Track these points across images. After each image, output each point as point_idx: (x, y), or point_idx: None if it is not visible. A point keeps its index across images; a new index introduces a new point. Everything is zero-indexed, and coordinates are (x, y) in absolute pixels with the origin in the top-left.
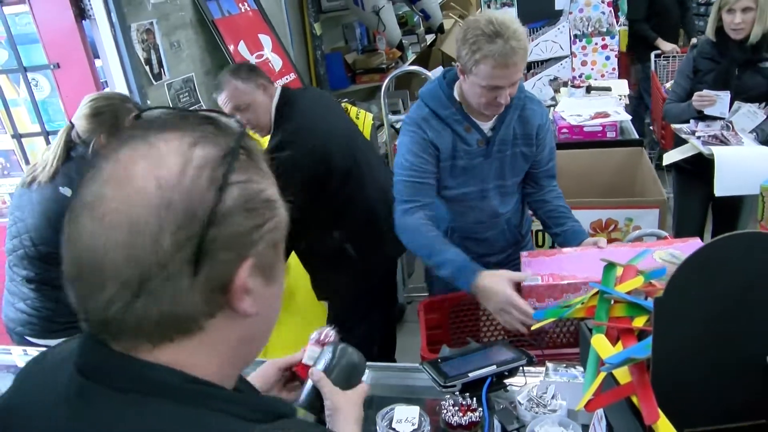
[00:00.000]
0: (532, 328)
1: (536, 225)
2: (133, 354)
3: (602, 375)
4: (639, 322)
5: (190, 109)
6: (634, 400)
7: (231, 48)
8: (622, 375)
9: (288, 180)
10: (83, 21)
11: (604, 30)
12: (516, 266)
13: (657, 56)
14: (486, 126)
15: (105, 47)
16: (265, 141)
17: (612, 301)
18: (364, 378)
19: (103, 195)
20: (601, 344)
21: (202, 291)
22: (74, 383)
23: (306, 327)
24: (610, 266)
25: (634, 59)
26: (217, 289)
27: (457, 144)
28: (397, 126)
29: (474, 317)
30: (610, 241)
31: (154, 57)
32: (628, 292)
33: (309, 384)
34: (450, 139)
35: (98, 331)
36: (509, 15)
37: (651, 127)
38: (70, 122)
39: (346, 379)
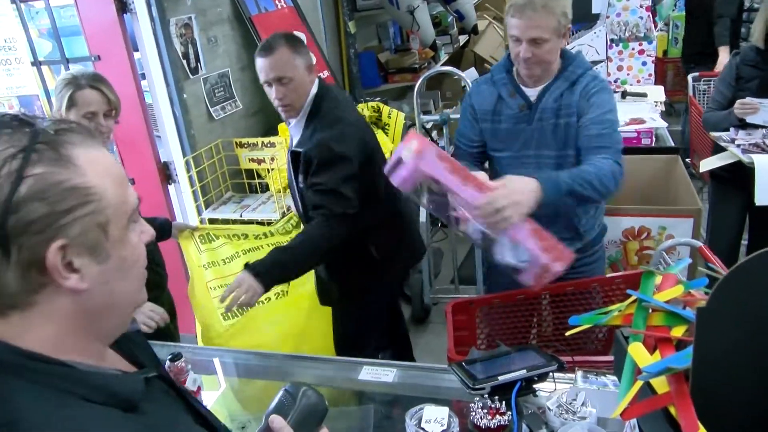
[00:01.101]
0: (567, 333)
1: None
2: (12, 312)
3: (639, 383)
4: (678, 331)
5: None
6: (672, 410)
7: None
8: (660, 384)
9: (340, 171)
10: (124, 15)
11: (642, 35)
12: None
13: (696, 80)
14: (533, 92)
15: (144, 41)
16: (283, 129)
17: (650, 310)
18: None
19: None
20: (638, 352)
21: (16, 270)
22: None
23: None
24: (648, 274)
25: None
26: (31, 267)
27: (502, 107)
28: (428, 126)
29: (501, 320)
30: (642, 248)
31: (191, 51)
32: (667, 301)
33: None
34: (493, 100)
35: None
36: None
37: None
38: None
39: (306, 422)
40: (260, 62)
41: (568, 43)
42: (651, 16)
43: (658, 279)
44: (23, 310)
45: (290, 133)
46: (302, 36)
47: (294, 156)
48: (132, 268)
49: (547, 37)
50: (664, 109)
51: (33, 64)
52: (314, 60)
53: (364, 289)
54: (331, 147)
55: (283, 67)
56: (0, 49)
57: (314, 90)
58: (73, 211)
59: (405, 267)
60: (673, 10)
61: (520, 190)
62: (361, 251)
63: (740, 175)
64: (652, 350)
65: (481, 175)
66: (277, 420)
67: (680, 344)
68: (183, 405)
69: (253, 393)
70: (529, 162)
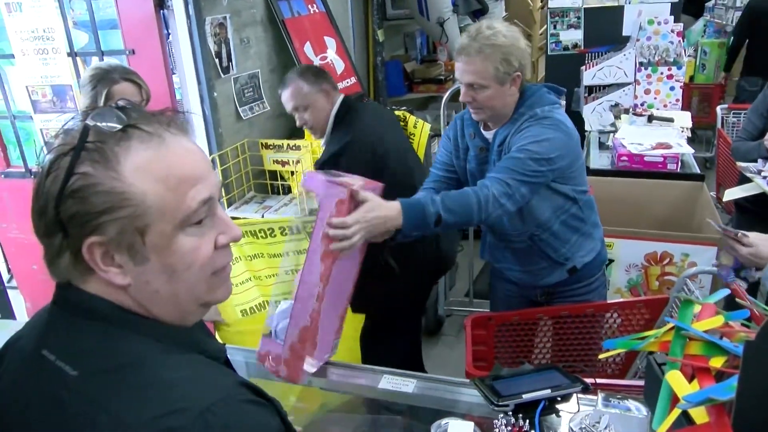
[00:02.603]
0: (600, 357)
1: None
2: (86, 284)
3: (677, 411)
4: (717, 362)
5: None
6: None
7: (297, 48)
8: (699, 414)
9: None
10: (162, 11)
11: (671, 60)
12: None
13: (725, 111)
14: (489, 134)
15: (179, 37)
16: (316, 144)
17: (687, 339)
18: None
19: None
20: (677, 380)
21: (69, 252)
22: (47, 311)
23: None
24: (687, 303)
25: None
26: (75, 253)
27: (468, 146)
28: None
29: (519, 337)
30: (664, 274)
31: (224, 51)
32: (705, 331)
33: None
34: (464, 138)
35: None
36: (507, 29)
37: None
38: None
39: None
40: (281, 97)
41: (520, 90)
42: (681, 41)
43: (697, 308)
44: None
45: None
46: (333, 42)
47: (321, 167)
48: (185, 272)
49: (484, 83)
50: (690, 135)
51: (69, 54)
52: (331, 83)
53: (386, 298)
54: (336, 161)
55: (297, 97)
56: (38, 38)
57: (335, 109)
58: (108, 213)
59: (429, 279)
60: (702, 36)
61: (375, 213)
62: (380, 263)
63: (765, 208)
64: (689, 379)
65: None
66: None
67: (719, 375)
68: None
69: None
70: None
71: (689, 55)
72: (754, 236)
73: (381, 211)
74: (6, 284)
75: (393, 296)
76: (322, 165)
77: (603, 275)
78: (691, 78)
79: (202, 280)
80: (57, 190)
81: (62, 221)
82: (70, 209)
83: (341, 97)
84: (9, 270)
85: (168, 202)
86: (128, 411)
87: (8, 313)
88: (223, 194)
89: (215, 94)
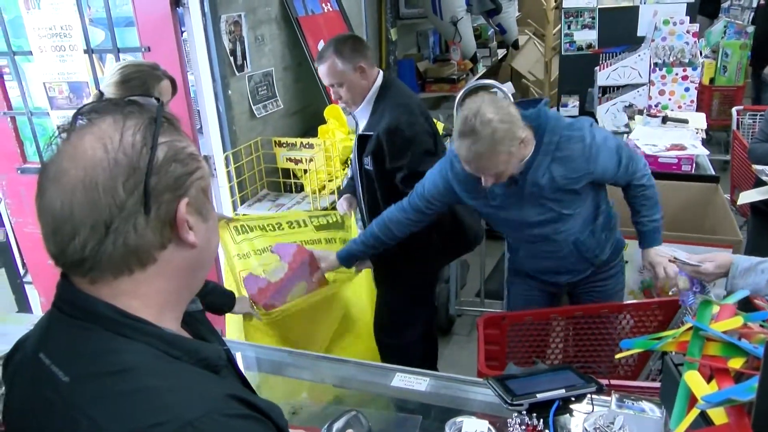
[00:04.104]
0: (617, 356)
1: None
2: (93, 286)
3: (695, 412)
4: (736, 363)
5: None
6: None
7: (311, 46)
8: (718, 415)
9: (408, 152)
10: (177, 8)
11: (686, 61)
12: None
13: (740, 113)
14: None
15: (195, 35)
16: (323, 131)
17: (705, 339)
18: None
19: (63, 168)
20: (695, 381)
21: (154, 226)
22: (49, 314)
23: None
24: (705, 303)
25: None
26: (166, 223)
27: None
28: None
29: (532, 337)
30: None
31: (238, 49)
32: (724, 332)
33: None
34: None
35: (73, 270)
36: (496, 112)
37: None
38: (99, 90)
39: None
40: (318, 70)
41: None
42: (696, 42)
43: (716, 308)
44: (146, 268)
45: (355, 118)
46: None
47: (361, 140)
48: (217, 227)
49: (503, 170)
50: (705, 136)
51: (86, 51)
52: (368, 59)
53: (415, 272)
54: (401, 131)
55: (332, 74)
56: (56, 35)
57: (378, 81)
58: (194, 173)
59: (458, 253)
60: (722, 37)
61: None
62: (422, 236)
63: None
64: (707, 380)
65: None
66: None
67: (738, 376)
68: (239, 378)
69: (288, 389)
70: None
71: (706, 56)
72: (704, 256)
73: None
74: (22, 279)
75: (421, 270)
76: (379, 138)
77: (621, 260)
78: (712, 80)
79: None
80: (147, 160)
81: (149, 193)
82: (170, 174)
83: (380, 73)
84: (24, 265)
85: (207, 169)
86: (109, 420)
87: (25, 307)
88: (237, 192)
89: (230, 91)
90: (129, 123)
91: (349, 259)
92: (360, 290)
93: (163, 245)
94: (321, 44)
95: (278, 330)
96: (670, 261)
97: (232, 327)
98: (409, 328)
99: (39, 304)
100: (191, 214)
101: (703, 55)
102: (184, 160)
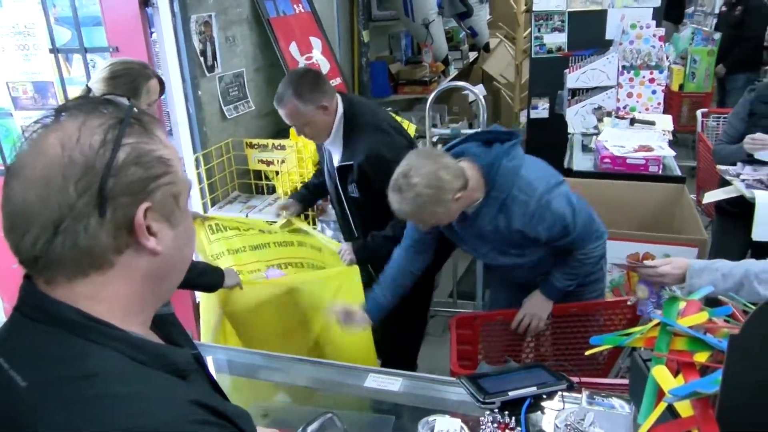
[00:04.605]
0: (587, 353)
1: None
2: (50, 288)
3: (663, 405)
4: (701, 357)
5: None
6: None
7: (282, 47)
8: (684, 408)
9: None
10: (146, 8)
11: (653, 64)
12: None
13: (705, 115)
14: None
15: (164, 36)
16: (301, 144)
17: (672, 334)
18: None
19: (25, 163)
20: (662, 375)
21: (109, 229)
22: (10, 317)
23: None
24: (672, 299)
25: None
26: (121, 227)
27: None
28: (435, 140)
29: (504, 336)
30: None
31: (209, 49)
32: (690, 327)
33: None
34: None
35: (30, 269)
36: (423, 176)
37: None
38: (87, 86)
39: None
40: (279, 112)
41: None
42: (663, 45)
43: (682, 304)
44: (104, 272)
45: (327, 150)
46: (319, 42)
47: (342, 171)
48: (192, 235)
49: (432, 224)
50: (672, 138)
51: (51, 51)
52: (327, 93)
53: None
54: (383, 155)
55: (295, 117)
56: (19, 34)
57: (340, 110)
58: (159, 179)
59: (447, 256)
60: (690, 44)
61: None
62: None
63: (744, 210)
64: (674, 374)
65: None
66: None
67: (704, 370)
68: (209, 383)
69: (260, 392)
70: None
71: (675, 62)
72: (661, 260)
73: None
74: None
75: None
76: (361, 166)
77: (601, 270)
78: (681, 86)
79: (194, 244)
80: (105, 162)
81: (104, 195)
82: (129, 177)
83: (339, 100)
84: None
85: (183, 174)
86: (72, 427)
87: None
88: (207, 194)
89: (200, 92)
90: (92, 123)
91: (380, 314)
92: (348, 285)
93: (118, 249)
94: (293, 46)
95: (256, 322)
96: (638, 266)
97: (206, 330)
98: (413, 332)
99: (2, 309)
100: (156, 220)
101: (672, 61)
102: (148, 163)
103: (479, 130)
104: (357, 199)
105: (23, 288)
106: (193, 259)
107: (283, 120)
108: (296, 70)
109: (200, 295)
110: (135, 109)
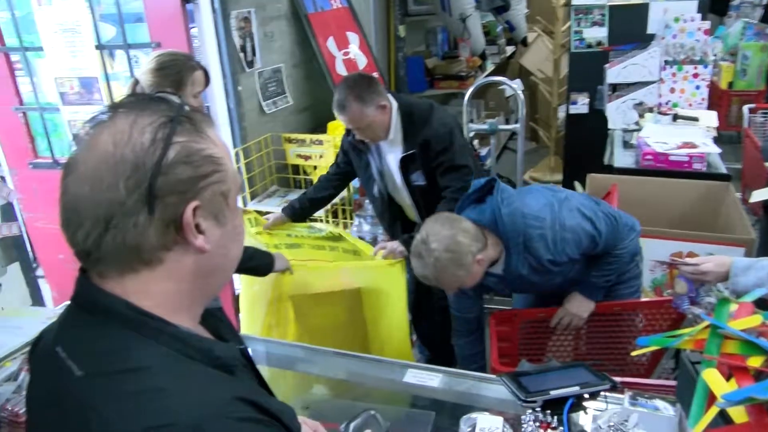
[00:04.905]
0: (633, 354)
1: None
2: (103, 281)
3: (714, 410)
4: (755, 361)
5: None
6: None
7: (320, 43)
8: (738, 414)
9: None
10: (187, 5)
11: (698, 59)
12: None
13: (752, 111)
14: (497, 269)
15: (205, 31)
16: (332, 127)
17: (723, 337)
18: None
19: (79, 159)
20: (713, 379)
21: (157, 226)
22: (67, 308)
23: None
24: (723, 301)
25: None
26: (170, 224)
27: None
28: (472, 135)
29: (544, 334)
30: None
31: (248, 45)
32: (743, 330)
33: None
34: None
35: (84, 262)
36: (441, 241)
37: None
38: (135, 78)
39: None
40: (338, 117)
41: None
42: (707, 39)
43: (733, 307)
44: (153, 267)
45: (383, 150)
46: (356, 37)
47: (405, 162)
48: (241, 233)
49: (456, 287)
50: (716, 134)
51: (96, 47)
52: (383, 93)
53: None
54: (450, 126)
55: (359, 121)
56: (67, 31)
57: (395, 106)
58: (208, 177)
59: None
60: (741, 39)
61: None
62: None
63: None
64: (726, 378)
65: None
66: None
67: (758, 375)
68: (256, 378)
69: (300, 384)
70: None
71: (723, 59)
72: (703, 257)
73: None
74: (35, 273)
75: None
76: (428, 140)
77: (637, 266)
78: (731, 84)
79: (243, 242)
80: (155, 160)
81: (154, 193)
82: (178, 176)
83: (393, 100)
84: (36, 259)
85: (234, 171)
86: (119, 419)
87: (39, 301)
88: (247, 187)
89: (240, 88)
90: (143, 120)
91: None
92: (392, 278)
93: (166, 246)
94: (330, 41)
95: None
96: (673, 265)
97: (252, 320)
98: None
99: (51, 299)
100: (204, 218)
101: (720, 57)
102: (196, 162)
103: (467, 193)
104: (422, 187)
105: (78, 280)
106: None
107: (346, 124)
108: (349, 75)
109: (243, 285)
110: (186, 107)
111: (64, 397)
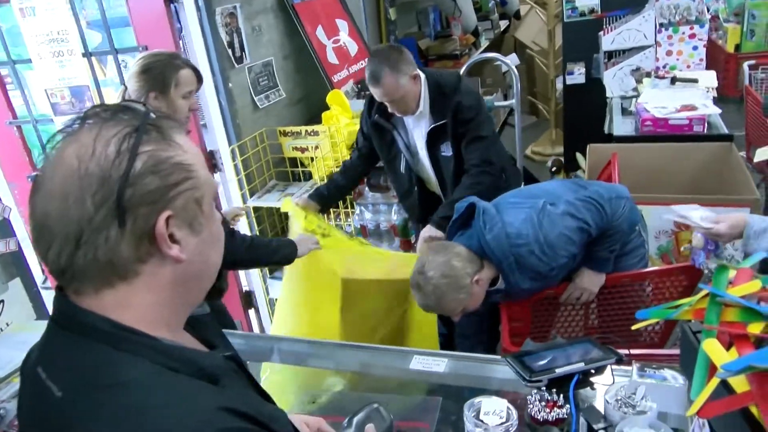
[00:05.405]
0: (633, 328)
1: None
2: (80, 298)
3: (715, 381)
4: (755, 328)
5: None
6: (754, 410)
7: (309, 32)
8: (739, 383)
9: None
10: (171, 5)
11: (693, 18)
12: None
13: (752, 67)
14: (500, 285)
15: (191, 30)
16: (327, 117)
17: (723, 305)
18: None
19: (46, 176)
20: (713, 349)
21: (129, 239)
22: (47, 327)
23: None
24: (722, 268)
25: None
26: (143, 237)
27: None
28: None
29: (549, 312)
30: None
31: (236, 41)
32: (742, 297)
33: None
34: None
35: (59, 280)
36: (437, 269)
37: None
38: (124, 85)
39: None
40: (372, 90)
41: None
42: None
43: (732, 273)
44: (130, 281)
45: (409, 124)
46: (345, 24)
47: (433, 134)
48: (219, 240)
49: (460, 310)
50: (716, 95)
51: (84, 55)
52: (414, 66)
53: None
54: (477, 96)
55: (395, 91)
56: (53, 41)
57: (424, 80)
58: (179, 185)
59: None
60: None
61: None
62: None
63: None
64: (727, 347)
65: None
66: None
67: (759, 342)
68: (249, 383)
69: (307, 378)
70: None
71: (728, 20)
72: (717, 217)
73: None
74: (40, 285)
75: None
76: (462, 104)
77: (638, 235)
78: (738, 47)
79: (222, 248)
80: (122, 172)
81: (123, 206)
82: (147, 186)
83: (421, 73)
84: (43, 271)
85: (207, 176)
86: None
87: (43, 315)
88: (246, 184)
89: (230, 84)
90: (107, 132)
91: None
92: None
93: (141, 259)
94: (320, 30)
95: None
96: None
97: (279, 321)
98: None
99: None
100: (178, 227)
101: (724, 18)
102: (165, 170)
103: (452, 219)
104: (449, 158)
105: (56, 298)
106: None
107: (381, 97)
108: (379, 47)
109: (285, 280)
110: (152, 115)
111: (45, 419)
